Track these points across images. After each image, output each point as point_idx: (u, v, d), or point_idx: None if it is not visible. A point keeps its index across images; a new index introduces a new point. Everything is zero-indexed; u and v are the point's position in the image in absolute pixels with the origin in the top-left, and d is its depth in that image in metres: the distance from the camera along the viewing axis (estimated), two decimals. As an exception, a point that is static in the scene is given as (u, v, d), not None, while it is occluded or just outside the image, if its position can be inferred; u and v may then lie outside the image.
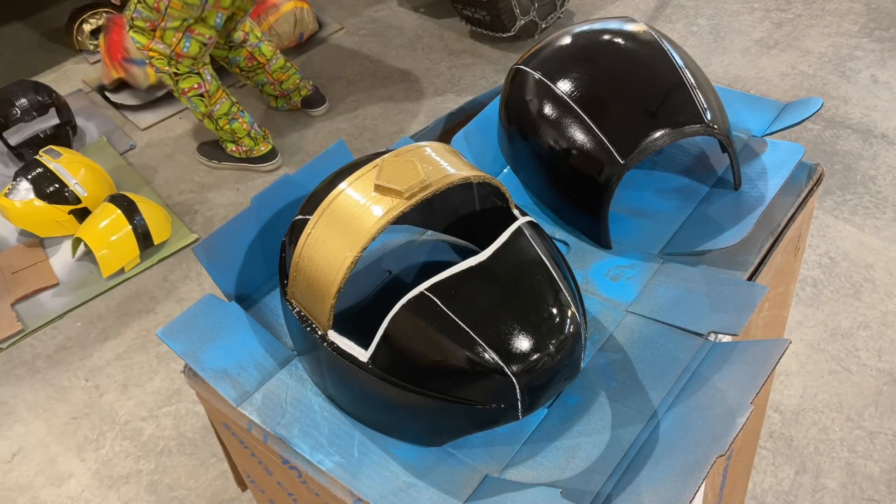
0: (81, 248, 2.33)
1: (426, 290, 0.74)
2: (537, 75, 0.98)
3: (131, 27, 2.26)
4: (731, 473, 1.13)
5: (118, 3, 2.35)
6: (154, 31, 2.24)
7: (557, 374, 0.74)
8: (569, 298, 0.76)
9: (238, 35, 2.55)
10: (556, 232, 0.98)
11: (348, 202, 0.76)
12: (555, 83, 0.95)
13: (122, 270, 2.30)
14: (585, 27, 1.01)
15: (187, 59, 2.31)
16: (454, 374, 0.72)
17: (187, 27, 2.25)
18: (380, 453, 0.77)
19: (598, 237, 0.95)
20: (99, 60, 3.19)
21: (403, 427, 0.78)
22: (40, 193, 2.33)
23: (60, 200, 2.35)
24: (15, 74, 3.04)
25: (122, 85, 3.05)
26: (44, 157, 2.39)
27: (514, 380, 0.71)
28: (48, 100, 2.65)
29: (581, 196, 0.94)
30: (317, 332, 0.77)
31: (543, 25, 2.94)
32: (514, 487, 0.73)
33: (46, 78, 3.09)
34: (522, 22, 2.87)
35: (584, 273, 0.92)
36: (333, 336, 0.76)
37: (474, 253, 0.77)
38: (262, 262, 0.96)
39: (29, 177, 2.35)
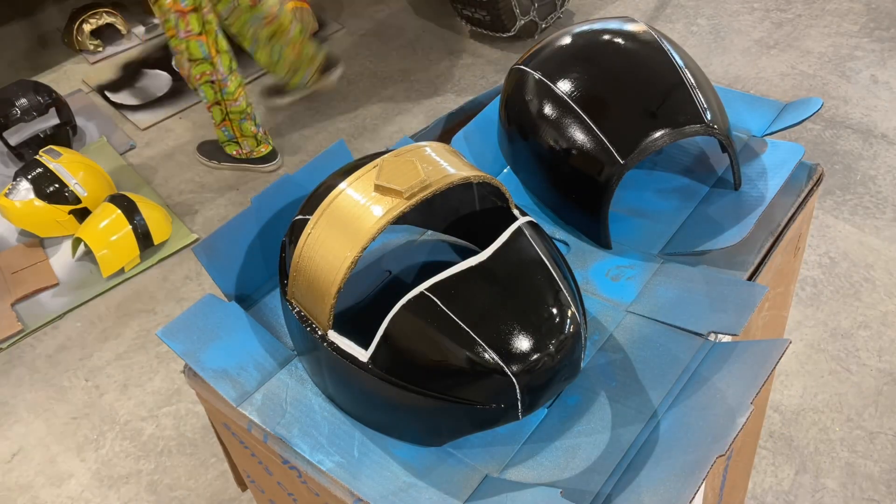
0: (81, 248, 2.33)
1: (426, 290, 0.74)
2: (537, 75, 0.98)
3: None
4: (731, 473, 1.13)
5: None
6: None
7: (557, 374, 0.74)
8: (569, 298, 0.76)
9: None
10: (556, 232, 0.98)
11: (348, 202, 0.76)
12: (555, 83, 0.95)
13: (122, 270, 2.30)
14: (585, 27, 1.01)
15: (191, 15, 2.26)
16: (454, 374, 0.72)
17: None
18: (380, 453, 0.77)
19: (598, 237, 0.95)
20: (99, 61, 3.20)
21: (403, 427, 0.78)
22: (40, 193, 2.33)
23: (60, 200, 2.35)
24: (15, 74, 3.04)
25: (122, 85, 3.05)
26: (44, 157, 2.39)
27: (514, 380, 0.71)
28: (48, 100, 2.65)
29: (581, 196, 0.94)
30: (317, 332, 0.77)
31: (543, 25, 2.94)
32: (514, 487, 0.73)
33: (46, 78, 3.09)
34: (522, 22, 2.87)
35: (584, 273, 0.92)
36: (333, 336, 0.76)
37: (474, 253, 0.77)
38: (262, 262, 0.96)
39: (29, 177, 2.35)
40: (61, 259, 2.37)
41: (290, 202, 0.97)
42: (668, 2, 3.08)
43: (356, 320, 0.85)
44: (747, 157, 1.01)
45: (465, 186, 0.85)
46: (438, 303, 0.73)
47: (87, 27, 3.21)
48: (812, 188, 0.98)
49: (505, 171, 1.07)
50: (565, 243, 0.96)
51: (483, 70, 2.90)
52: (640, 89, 0.94)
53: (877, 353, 1.83)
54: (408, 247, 0.97)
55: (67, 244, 2.39)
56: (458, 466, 0.76)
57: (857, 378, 1.79)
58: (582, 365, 0.78)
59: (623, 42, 0.97)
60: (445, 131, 1.13)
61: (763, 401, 1.33)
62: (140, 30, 3.34)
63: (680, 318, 0.84)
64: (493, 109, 1.10)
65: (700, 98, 0.92)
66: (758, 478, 1.65)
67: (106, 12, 3.25)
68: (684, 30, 2.92)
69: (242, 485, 1.03)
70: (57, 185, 2.35)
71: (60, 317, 2.22)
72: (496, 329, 0.72)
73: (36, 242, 2.41)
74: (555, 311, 0.74)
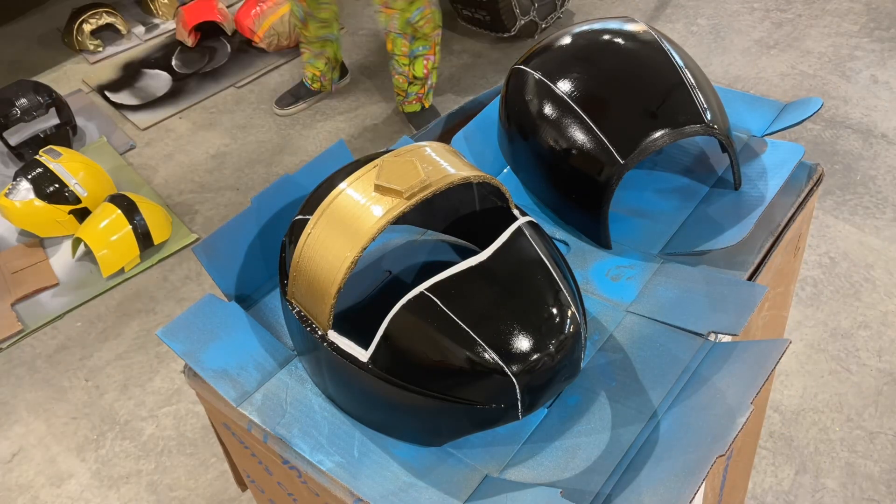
0: (81, 248, 2.33)
1: (426, 290, 0.74)
2: (537, 75, 0.98)
3: None
4: (731, 473, 1.13)
5: None
6: None
7: (557, 374, 0.74)
8: (569, 298, 0.76)
9: None
10: (556, 232, 0.98)
11: (348, 202, 0.76)
12: (555, 83, 0.95)
13: (122, 270, 2.30)
14: (585, 27, 1.01)
15: None
16: (454, 374, 0.72)
17: None
18: (380, 453, 0.77)
19: (598, 237, 0.95)
20: (99, 61, 3.20)
21: (403, 427, 0.78)
22: (40, 193, 2.33)
23: (60, 200, 2.35)
24: (15, 74, 3.04)
25: (122, 85, 3.05)
26: (44, 157, 2.39)
27: (514, 380, 0.71)
28: (48, 100, 2.65)
29: (581, 196, 0.94)
30: (317, 332, 0.77)
31: (543, 25, 2.94)
32: (514, 487, 0.73)
33: (46, 78, 3.09)
34: (522, 22, 2.87)
35: (584, 273, 0.92)
36: (333, 336, 0.76)
37: (474, 253, 0.77)
38: (262, 262, 0.96)
39: (29, 177, 2.35)
40: (61, 259, 2.37)
41: (290, 202, 0.97)
42: (668, 2, 3.08)
43: (356, 320, 0.85)
44: (747, 157, 1.01)
45: (465, 186, 0.85)
46: (438, 303, 0.73)
47: (87, 27, 3.21)
48: (812, 188, 0.98)
49: (505, 171, 1.07)
50: (565, 243, 0.96)
51: (483, 70, 2.90)
52: (640, 89, 0.94)
53: (877, 353, 1.83)
54: (408, 247, 0.97)
55: (67, 244, 2.39)
56: (458, 466, 0.76)
57: (857, 378, 1.79)
58: (582, 365, 0.78)
59: (623, 42, 0.97)
60: (445, 131, 1.13)
61: (763, 401, 1.33)
62: (140, 30, 3.34)
63: (680, 318, 0.84)
64: (493, 109, 1.10)
65: (700, 98, 0.92)
66: (758, 478, 1.65)
67: (106, 12, 3.25)
68: (684, 30, 2.92)
69: (242, 485, 1.03)
70: (57, 185, 2.35)
71: (60, 317, 2.22)
72: (496, 329, 0.72)
73: (36, 242, 2.41)
74: (555, 311, 0.74)
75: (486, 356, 0.71)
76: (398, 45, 2.44)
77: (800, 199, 0.97)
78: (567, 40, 1.00)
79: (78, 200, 2.37)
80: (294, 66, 3.04)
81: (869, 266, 2.01)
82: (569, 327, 0.74)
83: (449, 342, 0.71)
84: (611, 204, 0.91)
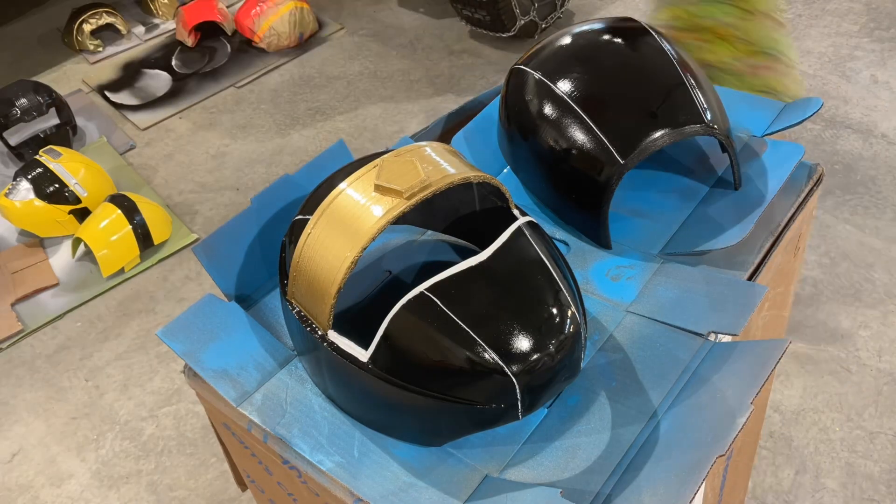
0: (81, 248, 2.33)
1: (426, 290, 0.74)
2: (537, 75, 0.98)
3: None
4: (731, 473, 1.13)
5: None
6: None
7: (557, 374, 0.74)
8: (569, 298, 0.76)
9: None
10: (556, 232, 0.98)
11: (348, 202, 0.76)
12: (555, 83, 0.95)
13: (122, 270, 2.30)
14: (585, 27, 1.01)
15: None
16: (454, 374, 0.72)
17: None
18: (380, 453, 0.77)
19: (598, 237, 0.95)
20: (99, 61, 3.20)
21: (403, 427, 0.78)
22: (40, 193, 2.33)
23: (60, 200, 2.35)
24: (15, 74, 3.04)
25: (122, 85, 3.05)
26: (44, 157, 2.39)
27: (514, 380, 0.71)
28: (48, 100, 2.65)
29: (581, 196, 0.94)
30: (317, 332, 0.77)
31: (543, 25, 2.94)
32: (514, 487, 0.73)
33: (46, 78, 3.09)
34: (522, 22, 2.87)
35: (584, 273, 0.92)
36: (333, 336, 0.76)
37: (474, 253, 0.77)
38: (262, 262, 0.96)
39: (29, 177, 2.35)
40: (61, 259, 2.37)
41: (290, 202, 0.97)
42: (668, 2, 3.08)
43: (356, 320, 0.85)
44: (747, 157, 1.01)
45: (465, 186, 0.85)
46: (438, 303, 0.73)
47: (87, 27, 3.21)
48: (812, 188, 0.98)
49: (505, 171, 1.07)
50: (565, 243, 0.96)
51: (483, 70, 2.90)
52: (640, 89, 0.94)
53: (877, 353, 1.83)
54: (408, 247, 0.97)
55: (67, 244, 2.39)
56: (458, 466, 0.76)
57: (857, 378, 1.79)
58: (582, 365, 0.78)
59: (623, 42, 0.98)
60: (445, 131, 1.13)
61: (763, 401, 1.33)
62: (140, 30, 3.34)
63: (680, 318, 0.84)
64: (493, 109, 1.10)
65: (700, 98, 0.92)
66: (758, 478, 1.65)
67: (106, 12, 3.25)
68: (684, 30, 2.92)
69: (242, 485, 1.03)
70: (57, 185, 2.35)
71: (60, 317, 2.22)
72: (496, 329, 0.72)
73: (36, 242, 2.41)
74: (555, 311, 0.74)
75: (486, 356, 0.71)
76: None
77: (800, 199, 0.97)
78: (567, 40, 1.00)
79: (78, 200, 2.37)
80: (294, 66, 3.04)
81: (869, 266, 2.01)
82: (569, 327, 0.74)
83: (449, 342, 0.72)
84: (611, 204, 0.91)
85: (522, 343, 0.71)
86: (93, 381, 2.04)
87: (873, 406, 1.74)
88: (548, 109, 0.95)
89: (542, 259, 0.78)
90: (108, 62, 3.20)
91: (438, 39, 3.09)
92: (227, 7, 3.33)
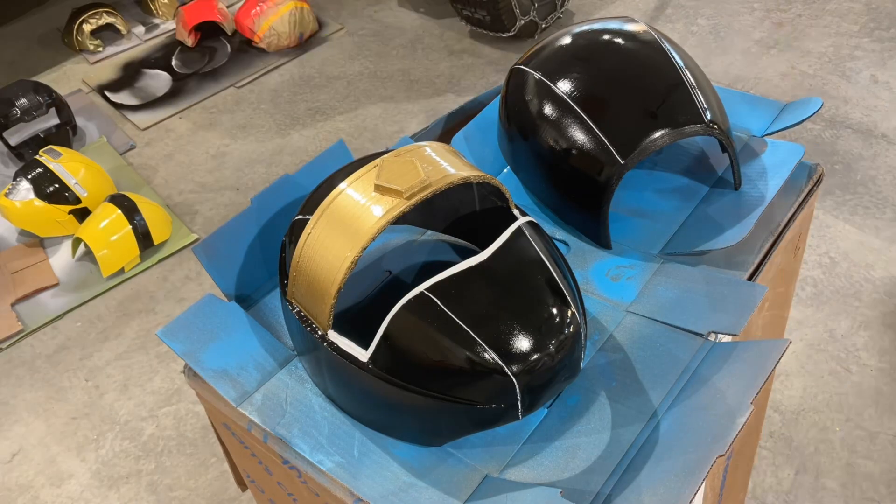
0: (81, 248, 2.33)
1: (426, 290, 0.74)
2: (537, 75, 0.98)
3: None
4: (731, 473, 1.13)
5: None
6: None
7: (557, 374, 0.74)
8: (569, 298, 0.76)
9: None
10: (556, 232, 0.98)
11: (348, 202, 0.76)
12: (555, 83, 0.95)
13: (122, 270, 2.30)
14: (585, 27, 1.01)
15: None
16: (454, 374, 0.72)
17: None
18: (380, 453, 0.77)
19: (598, 237, 0.95)
20: (99, 61, 3.20)
21: (403, 427, 0.78)
22: (40, 193, 2.33)
23: (60, 200, 2.35)
24: (15, 74, 3.04)
25: (122, 85, 3.05)
26: (44, 157, 2.39)
27: (514, 380, 0.71)
28: (48, 100, 2.65)
29: (581, 196, 0.94)
30: (317, 332, 0.77)
31: (543, 25, 2.94)
32: (514, 487, 0.73)
33: (46, 78, 3.09)
34: (522, 22, 2.87)
35: (584, 273, 0.92)
36: (333, 336, 0.76)
37: (474, 253, 0.77)
38: (262, 262, 0.96)
39: (29, 177, 2.35)
40: (61, 259, 2.37)
41: (290, 202, 0.97)
42: (668, 2, 3.08)
43: (356, 320, 0.85)
44: (747, 157, 1.01)
45: (465, 186, 0.85)
46: (438, 303, 0.73)
47: (87, 27, 3.21)
48: (812, 188, 0.98)
49: (505, 171, 1.07)
50: (565, 243, 0.96)
51: (483, 70, 2.90)
52: (640, 89, 0.94)
53: (877, 353, 1.83)
54: (408, 247, 0.97)
55: (67, 244, 2.39)
56: (458, 466, 0.76)
57: (857, 378, 1.79)
58: (582, 365, 0.78)
59: (623, 42, 0.97)
60: (445, 131, 1.13)
61: (763, 401, 1.33)
62: (140, 30, 3.34)
63: (680, 318, 0.84)
64: (493, 109, 1.10)
65: (700, 98, 0.92)
66: (758, 478, 1.65)
67: (106, 12, 3.25)
68: (684, 30, 2.92)
69: (242, 485, 1.03)
70: (57, 185, 2.35)
71: (60, 317, 2.22)
72: (496, 329, 0.72)
73: (36, 242, 2.41)
74: (555, 311, 0.74)
75: (486, 356, 0.71)
76: None
77: (800, 199, 0.97)
78: (567, 40, 1.00)
79: (78, 200, 2.37)
80: (294, 66, 3.04)
81: (869, 266, 2.01)
82: (569, 327, 0.74)
83: (449, 342, 0.72)
84: (611, 204, 0.91)
85: (522, 343, 0.71)
86: (93, 381, 2.04)
87: (873, 406, 1.74)
88: (548, 109, 0.95)
89: (542, 259, 0.78)
90: (108, 62, 3.20)
91: (438, 39, 3.09)
92: (227, 7, 3.33)
